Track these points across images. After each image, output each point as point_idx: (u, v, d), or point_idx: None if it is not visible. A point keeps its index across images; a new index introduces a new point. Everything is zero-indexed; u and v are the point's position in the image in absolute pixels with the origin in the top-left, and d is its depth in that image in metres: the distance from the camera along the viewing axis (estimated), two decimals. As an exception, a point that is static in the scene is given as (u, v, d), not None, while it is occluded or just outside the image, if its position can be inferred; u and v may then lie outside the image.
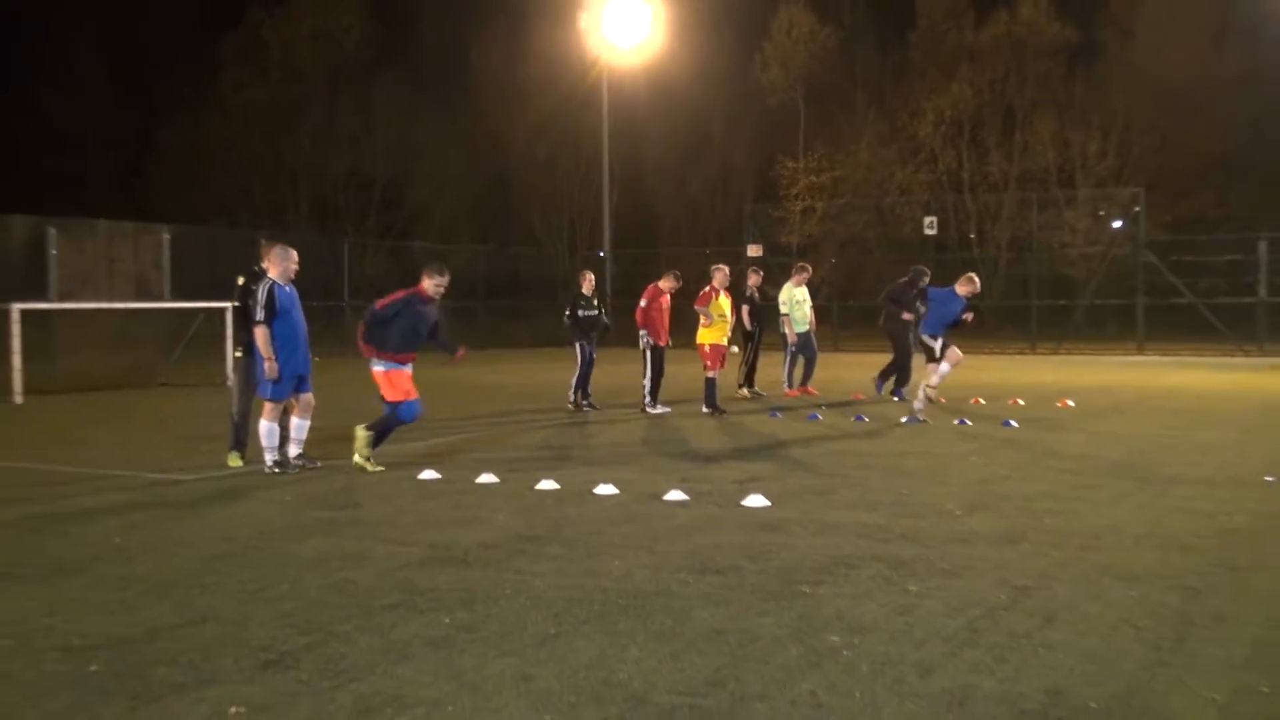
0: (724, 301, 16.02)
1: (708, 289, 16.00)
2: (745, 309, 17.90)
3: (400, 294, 10.66)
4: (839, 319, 34.70)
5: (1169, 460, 11.11)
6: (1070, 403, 16.88)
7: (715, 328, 15.81)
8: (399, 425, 10.74)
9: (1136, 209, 35.66)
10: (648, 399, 15.83)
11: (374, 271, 33.89)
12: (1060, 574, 6.53)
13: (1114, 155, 43.66)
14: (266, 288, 10.11)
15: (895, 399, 17.34)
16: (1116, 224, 40.80)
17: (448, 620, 5.64)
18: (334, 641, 5.31)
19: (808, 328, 18.54)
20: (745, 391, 17.94)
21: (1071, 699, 4.54)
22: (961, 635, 5.39)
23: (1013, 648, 5.20)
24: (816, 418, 15.10)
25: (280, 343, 10.10)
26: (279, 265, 10.28)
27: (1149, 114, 43.47)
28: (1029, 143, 44.44)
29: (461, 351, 11.51)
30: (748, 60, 50.32)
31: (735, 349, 17.47)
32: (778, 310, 18.63)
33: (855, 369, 22.92)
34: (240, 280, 10.64)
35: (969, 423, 14.37)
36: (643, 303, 15.98)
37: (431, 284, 10.63)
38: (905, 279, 17.72)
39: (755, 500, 8.66)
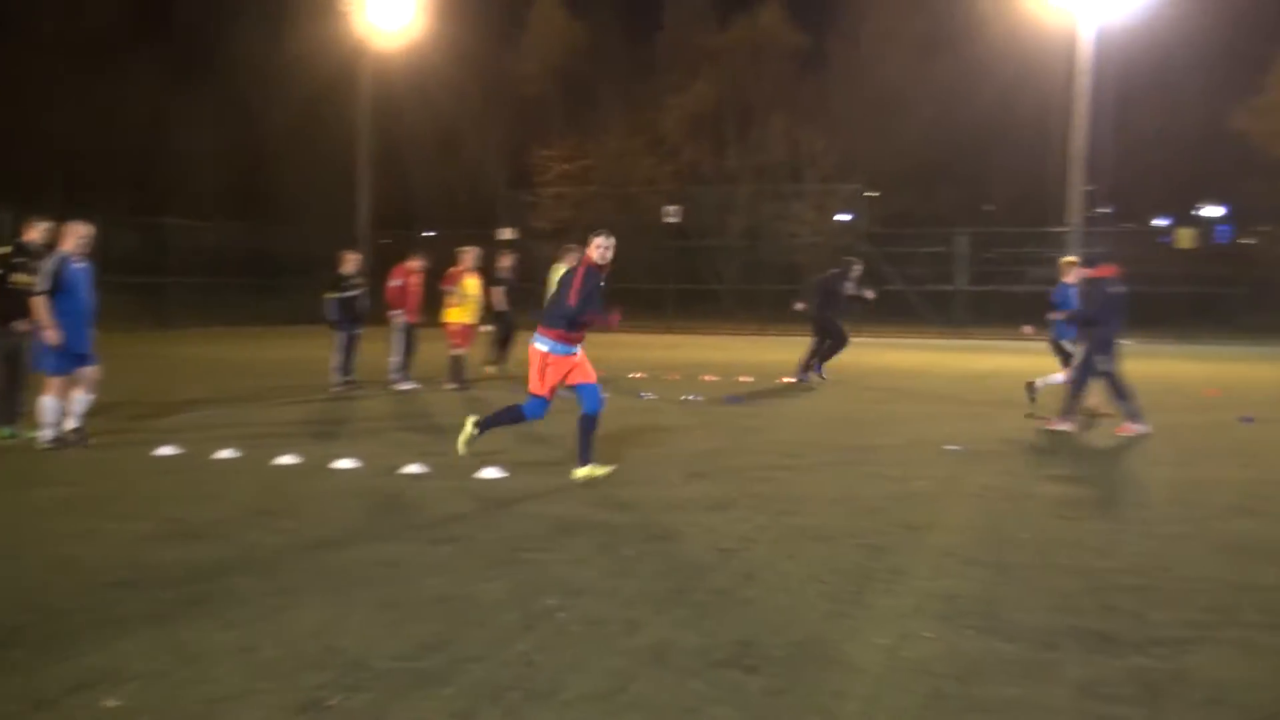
0: (472, 282, 15.99)
1: (456, 269, 15.96)
2: (499, 289, 17.88)
3: (578, 275, 8.56)
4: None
5: (866, 432, 11.75)
6: (792, 380, 17.57)
7: (463, 307, 15.80)
8: (518, 422, 9.07)
9: (863, 197, 37.39)
10: (395, 375, 15.65)
11: (122, 250, 32.16)
12: (761, 536, 6.84)
13: (838, 154, 45.52)
14: (57, 260, 9.67)
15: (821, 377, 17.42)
16: (843, 217, 42.66)
17: (171, 595, 5.45)
18: (55, 619, 5.06)
19: None
20: (492, 369, 17.92)
21: (760, 648, 4.77)
22: (669, 595, 5.57)
23: (713, 605, 5.42)
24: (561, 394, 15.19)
25: (63, 319, 9.53)
26: (72, 240, 9.82)
27: (869, 117, 45.49)
28: (763, 139, 45.84)
29: (616, 316, 8.95)
30: (505, 49, 50.06)
31: (486, 328, 17.42)
32: (540, 290, 18.59)
33: (615, 348, 23.18)
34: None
35: (699, 398, 14.78)
36: (395, 282, 15.80)
37: (598, 251, 8.65)
38: (837, 269, 17.78)
39: (490, 473, 8.69)
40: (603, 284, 8.63)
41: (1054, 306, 13.26)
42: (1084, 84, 33.04)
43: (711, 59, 48.07)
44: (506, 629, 5.00)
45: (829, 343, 17.64)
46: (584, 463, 8.70)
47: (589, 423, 8.75)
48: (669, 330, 34.73)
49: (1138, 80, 40.14)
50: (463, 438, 8.85)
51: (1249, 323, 32.39)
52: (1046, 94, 38.39)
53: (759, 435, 11.41)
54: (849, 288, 17.48)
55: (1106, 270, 11.77)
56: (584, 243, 8.87)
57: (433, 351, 16.68)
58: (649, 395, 14.92)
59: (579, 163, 46.26)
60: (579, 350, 8.73)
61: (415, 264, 16.01)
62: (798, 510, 7.61)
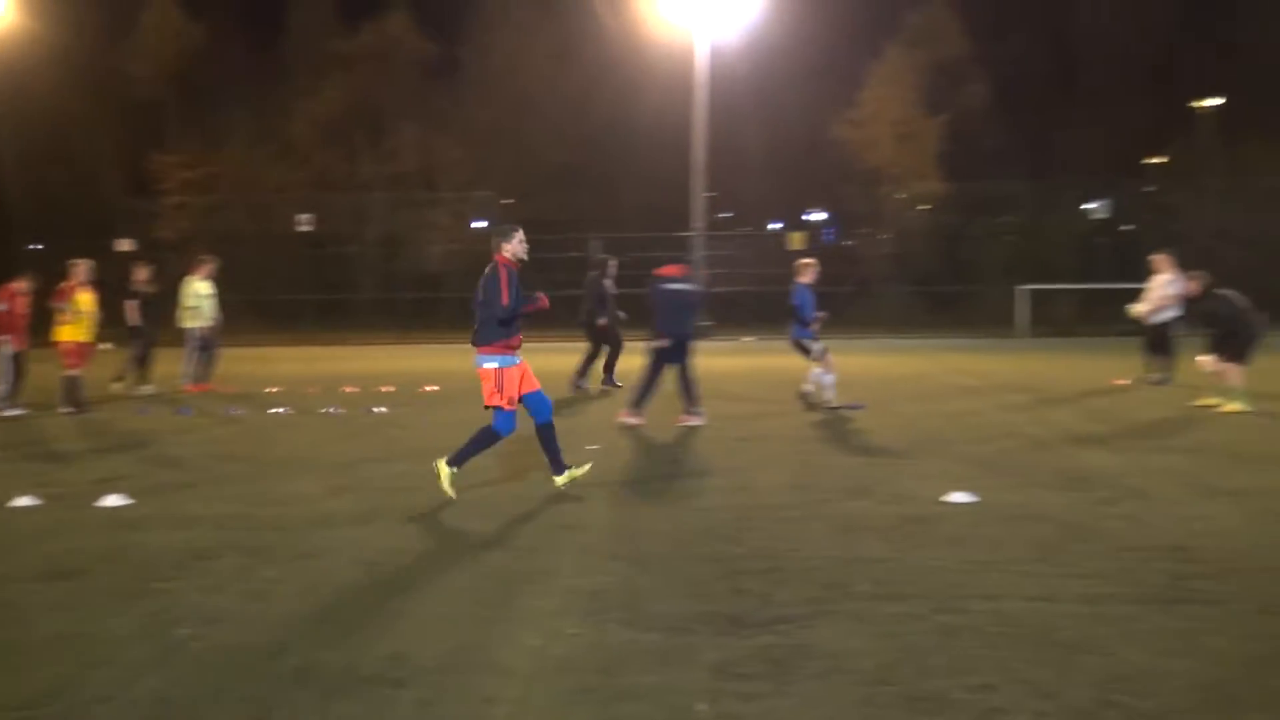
0: (86, 297, 14.87)
1: (68, 284, 14.78)
2: (134, 303, 16.76)
3: (503, 278, 8.16)
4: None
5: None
6: (435, 388, 17.47)
7: (77, 324, 14.67)
8: (492, 443, 8.49)
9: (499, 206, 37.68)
10: (2, 404, 14.32)
11: None
12: (409, 547, 6.77)
13: (474, 161, 45.65)
14: None
15: (617, 386, 16.62)
16: (479, 224, 42.83)
17: None
18: None
19: (211, 322, 17.53)
20: (120, 386, 16.76)
21: (410, 660, 4.72)
22: (314, 614, 5.42)
23: (361, 620, 5.31)
24: (188, 412, 14.43)
25: None
26: None
27: (503, 124, 45.92)
28: (395, 147, 45.30)
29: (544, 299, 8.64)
30: (115, 50, 46.81)
31: (107, 346, 16.26)
32: (171, 304, 17.51)
33: (250, 363, 22.13)
34: None
35: (340, 410, 14.43)
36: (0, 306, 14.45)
37: (521, 247, 8.57)
38: (595, 272, 17.37)
39: (114, 500, 8.12)
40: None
41: (795, 309, 13.86)
42: (702, 96, 34.79)
43: (340, 65, 46.95)
44: (136, 665, 4.70)
45: (609, 349, 17.19)
46: (560, 470, 8.53)
47: (548, 430, 8.48)
48: (307, 342, 33.66)
49: (748, 93, 42.74)
50: (445, 480, 8.14)
51: (855, 316, 35.10)
52: (669, 104, 40.16)
53: (402, 444, 11.27)
54: (610, 286, 17.19)
55: (670, 270, 12.55)
56: (214, 253, 8.52)
57: (44, 373, 15.40)
58: (286, 410, 14.43)
59: (203, 170, 43.94)
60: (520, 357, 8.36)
61: (21, 285, 14.70)
62: (441, 518, 7.59)
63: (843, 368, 15.30)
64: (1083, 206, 43.17)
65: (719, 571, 6.11)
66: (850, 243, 46.10)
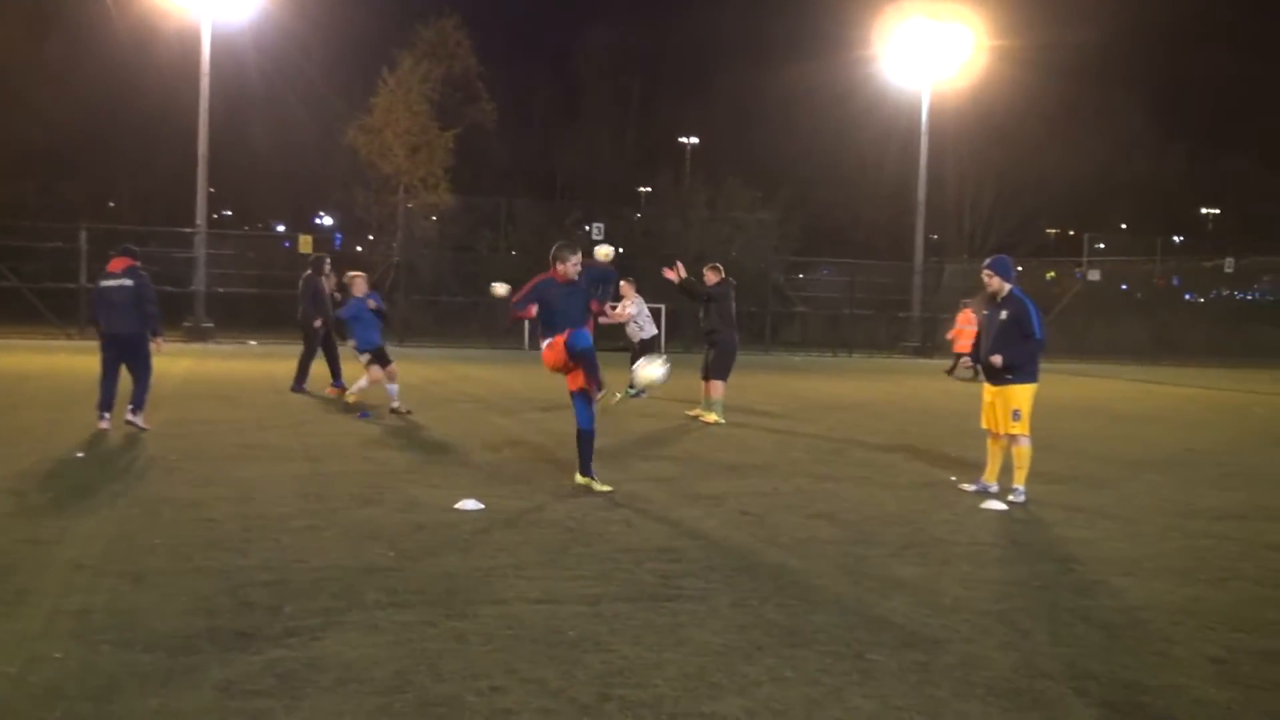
0: None
1: None
2: None
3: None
4: None
5: (-17, 442, 10.64)
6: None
7: None
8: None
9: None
10: None
11: None
12: None
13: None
14: None
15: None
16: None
17: None
18: None
19: None
20: None
21: None
22: None
23: None
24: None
25: None
26: None
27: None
28: None
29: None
30: None
31: None
32: None
33: None
34: None
35: None
36: None
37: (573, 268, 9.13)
38: (309, 271, 16.73)
39: None
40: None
41: (348, 322, 14.67)
42: (205, 85, 33.09)
43: None
44: None
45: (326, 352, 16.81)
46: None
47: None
48: None
49: (258, 90, 41.25)
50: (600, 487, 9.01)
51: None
52: (173, 92, 37.84)
53: None
54: (325, 285, 16.82)
55: (115, 264, 11.98)
56: None
57: None
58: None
59: None
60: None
61: None
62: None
63: (353, 376, 15.15)
64: (584, 228, 45.55)
65: (225, 585, 5.83)
66: (360, 249, 45.66)
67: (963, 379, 25.23)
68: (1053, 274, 47.33)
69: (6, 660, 4.58)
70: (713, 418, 14.40)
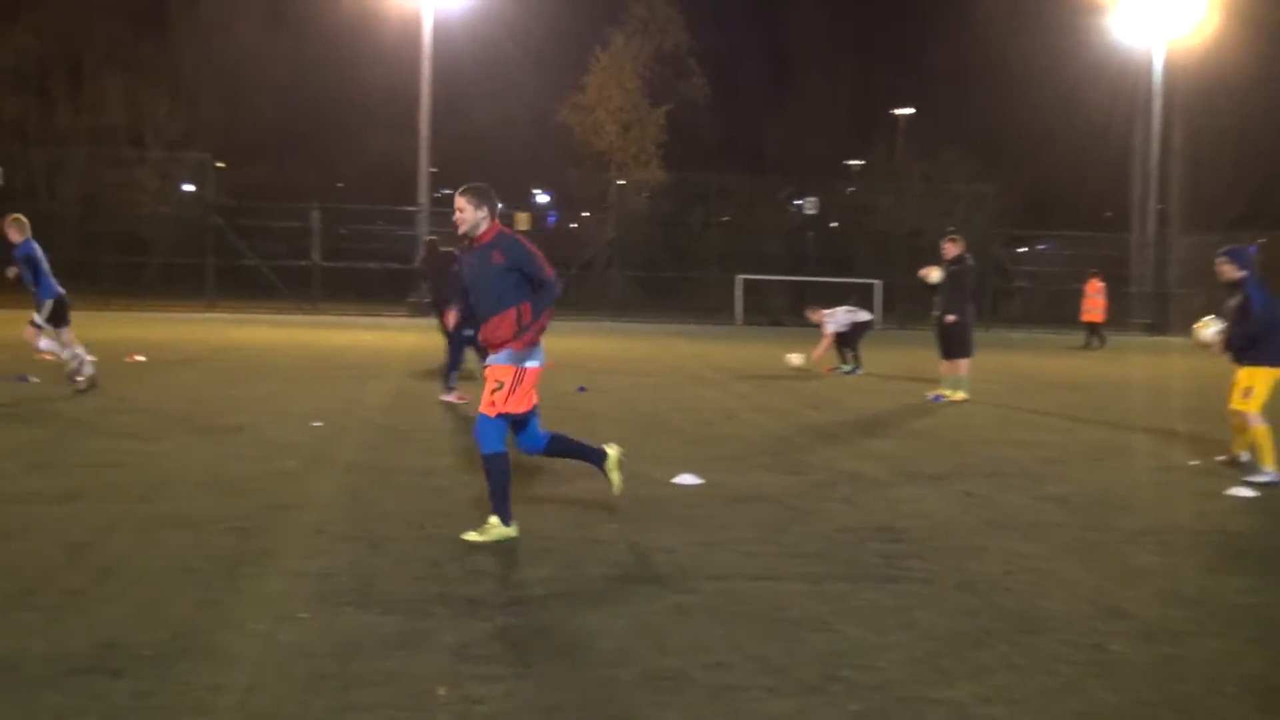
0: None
1: None
2: None
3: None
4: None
5: (229, 411, 11.30)
6: (141, 357, 16.45)
7: None
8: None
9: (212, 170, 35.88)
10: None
11: None
12: (118, 527, 6.31)
13: (184, 120, 43.19)
14: None
15: None
16: (188, 187, 40.59)
17: None
18: None
19: None
20: None
21: (125, 649, 4.39)
22: (13, 599, 4.96)
23: (67, 606, 4.90)
24: None
25: None
26: None
27: (216, 84, 43.68)
28: (97, 99, 42.24)
29: None
30: None
31: None
32: None
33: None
34: None
35: (35, 380, 13.34)
36: None
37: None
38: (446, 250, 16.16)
39: None
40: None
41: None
42: (426, 69, 34.23)
43: (33, 6, 43.26)
44: None
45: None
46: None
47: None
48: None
49: (475, 70, 42.37)
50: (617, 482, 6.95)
51: (577, 300, 35.40)
52: (396, 77, 39.26)
53: (107, 417, 10.53)
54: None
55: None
56: None
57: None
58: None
59: None
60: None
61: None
62: (158, 496, 7.13)
63: (570, 351, 15.41)
64: (795, 202, 45.13)
65: (453, 552, 6.01)
66: (574, 226, 46.50)
67: (1092, 349, 26.32)
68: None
69: (257, 618, 4.83)
70: (961, 395, 14.03)
